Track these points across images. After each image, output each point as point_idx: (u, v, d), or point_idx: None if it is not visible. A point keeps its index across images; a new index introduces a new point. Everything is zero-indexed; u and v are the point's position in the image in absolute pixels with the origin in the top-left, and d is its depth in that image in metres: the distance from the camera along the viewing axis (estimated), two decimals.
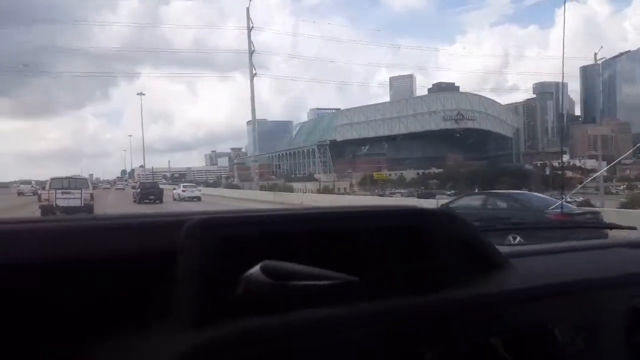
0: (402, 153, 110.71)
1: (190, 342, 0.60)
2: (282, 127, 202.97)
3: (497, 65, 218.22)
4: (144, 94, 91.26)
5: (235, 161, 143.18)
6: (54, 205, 14.52)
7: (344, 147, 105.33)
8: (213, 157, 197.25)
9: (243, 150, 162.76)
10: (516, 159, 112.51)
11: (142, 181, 33.97)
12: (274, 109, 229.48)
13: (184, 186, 34.76)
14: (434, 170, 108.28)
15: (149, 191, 26.77)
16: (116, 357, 0.60)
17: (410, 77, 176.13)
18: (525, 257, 1.02)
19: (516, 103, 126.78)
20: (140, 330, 0.62)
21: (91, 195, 15.88)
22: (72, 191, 15.20)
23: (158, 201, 25.61)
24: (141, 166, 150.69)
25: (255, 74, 66.17)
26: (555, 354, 0.86)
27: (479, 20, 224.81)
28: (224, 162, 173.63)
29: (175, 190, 32.73)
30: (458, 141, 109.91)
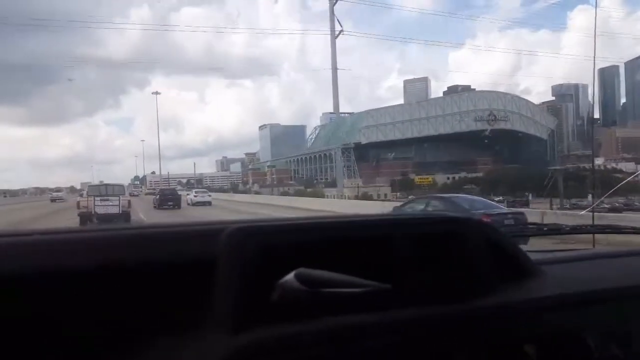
0: (429, 156, 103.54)
1: (228, 347, 0.62)
2: (295, 132, 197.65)
3: (509, 69, 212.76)
4: (159, 93, 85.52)
5: (250, 166, 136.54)
6: (93, 213, 14.42)
7: (367, 151, 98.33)
8: (224, 163, 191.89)
9: (257, 155, 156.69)
10: (552, 161, 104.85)
11: (162, 188, 35.50)
12: (281, 115, 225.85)
13: (195, 192, 36.42)
14: (464, 174, 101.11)
15: (168, 197, 27.54)
16: None
17: (425, 80, 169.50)
18: (555, 264, 1.02)
19: (540, 104, 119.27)
20: (181, 336, 0.63)
21: (129, 202, 15.75)
22: (110, 198, 14.93)
23: (177, 207, 26.18)
24: (153, 172, 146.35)
25: (341, 31, 58.82)
26: None
27: (489, 24, 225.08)
28: (235, 167, 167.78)
29: (188, 196, 33.89)
30: (490, 143, 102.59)
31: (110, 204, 15.01)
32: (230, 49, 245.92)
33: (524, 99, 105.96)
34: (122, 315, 0.63)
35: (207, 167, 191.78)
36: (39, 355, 0.58)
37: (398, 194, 66.26)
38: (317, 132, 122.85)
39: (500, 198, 55.24)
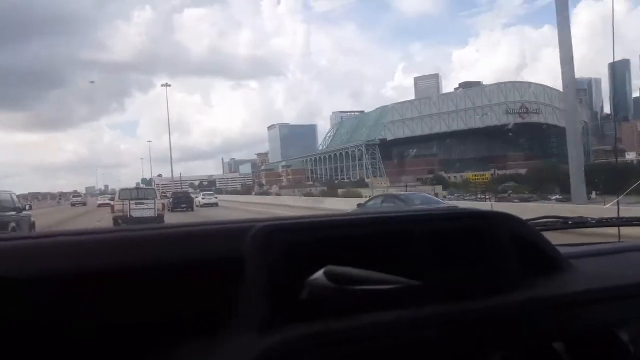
0: (454, 152, 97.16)
1: (257, 346, 0.61)
2: (306, 131, 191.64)
3: (515, 66, 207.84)
4: (169, 85, 79.40)
5: (262, 167, 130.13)
6: (128, 216, 14.36)
7: (389, 147, 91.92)
8: (232, 165, 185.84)
9: (268, 155, 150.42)
10: (586, 156, 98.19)
11: (174, 191, 36.14)
12: (286, 116, 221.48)
13: (203, 194, 38.90)
14: (495, 171, 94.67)
15: (181, 200, 28.60)
16: None
17: (435, 77, 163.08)
18: (583, 258, 1.01)
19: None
20: (210, 336, 0.63)
21: (163, 205, 15.75)
22: (145, 201, 14.94)
23: (190, 209, 27.35)
24: (159, 175, 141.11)
25: None
26: (619, 357, 0.84)
27: (491, 22, 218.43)
28: (244, 169, 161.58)
29: (196, 198, 34.65)
30: (520, 137, 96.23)
31: (146, 207, 14.72)
32: (235, 50, 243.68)
33: (556, 90, 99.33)
34: (150, 315, 0.63)
35: (212, 169, 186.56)
36: (74, 355, 0.59)
37: (445, 192, 59.68)
38: (335, 129, 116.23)
39: (558, 196, 48.76)
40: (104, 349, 0.60)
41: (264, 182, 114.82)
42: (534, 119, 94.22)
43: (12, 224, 10.12)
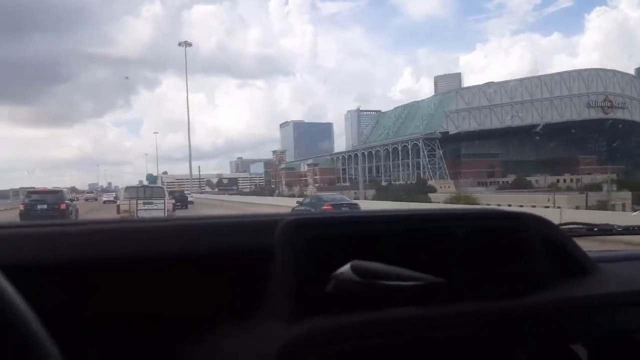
0: (515, 152, 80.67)
1: (285, 336, 0.63)
2: (321, 129, 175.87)
3: (527, 72, 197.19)
4: (190, 44, 63.49)
5: (282, 166, 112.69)
6: (136, 217, 12.34)
7: (444, 143, 74.97)
8: (239, 165, 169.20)
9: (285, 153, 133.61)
10: None
11: (170, 190, 33.19)
12: (293, 116, 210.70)
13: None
14: (569, 176, 78.22)
15: (178, 199, 28.60)
16: (218, 349, 0.64)
17: (457, 76, 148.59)
18: (612, 262, 1.00)
19: None
20: (240, 322, 0.65)
21: (173, 205, 14.78)
22: (154, 201, 13.78)
23: (184, 207, 28.93)
24: (165, 172, 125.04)
25: None
26: None
27: (500, 28, 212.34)
28: (256, 168, 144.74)
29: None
30: (601, 136, 79.95)
31: (155, 207, 13.59)
32: (242, 48, 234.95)
33: None
34: (184, 303, 0.65)
35: (216, 169, 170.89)
36: (119, 342, 0.61)
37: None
38: (376, 121, 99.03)
39: None
40: (143, 333, 0.62)
41: (283, 182, 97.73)
42: (619, 114, 77.93)
43: (72, 209, 16.04)
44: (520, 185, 61.21)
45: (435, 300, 0.70)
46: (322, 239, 0.69)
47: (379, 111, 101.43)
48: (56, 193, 16.47)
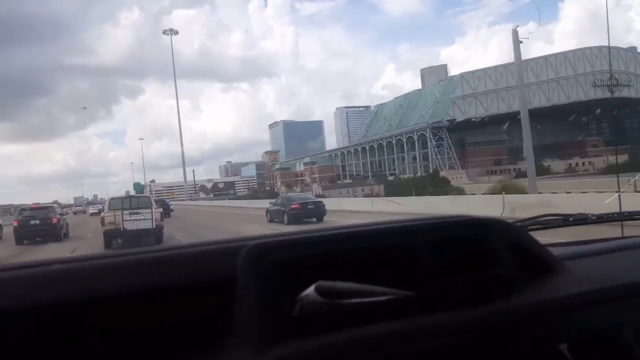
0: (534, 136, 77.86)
1: None
2: (312, 127, 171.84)
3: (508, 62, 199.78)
4: (177, 32, 60.19)
5: (276, 166, 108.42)
6: (122, 229, 12.14)
7: (450, 131, 71.65)
8: (229, 168, 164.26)
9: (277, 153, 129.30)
10: None
11: (155, 199, 28.64)
12: (280, 117, 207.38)
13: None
14: (578, 160, 75.77)
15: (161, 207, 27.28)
16: None
17: (444, 67, 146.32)
18: (582, 258, 1.00)
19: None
20: (205, 354, 0.64)
21: (161, 214, 13.37)
22: (140, 211, 12.59)
23: (167, 215, 25.86)
24: (152, 181, 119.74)
25: None
26: (622, 358, 0.84)
27: (477, 20, 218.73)
28: (247, 171, 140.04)
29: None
30: (607, 116, 77.55)
31: (142, 217, 12.49)
32: (225, 52, 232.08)
33: None
34: (146, 337, 0.64)
35: (205, 174, 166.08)
36: None
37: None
38: (374, 112, 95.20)
39: None
40: None
41: (279, 183, 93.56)
42: (625, 92, 75.67)
43: (62, 223, 16.84)
44: (537, 171, 58.10)
45: (406, 314, 0.70)
46: (287, 261, 0.69)
47: (368, 107, 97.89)
48: (47, 209, 17.39)
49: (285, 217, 16.90)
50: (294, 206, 17.01)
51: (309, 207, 17.23)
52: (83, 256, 0.72)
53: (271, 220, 18.25)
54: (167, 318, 0.65)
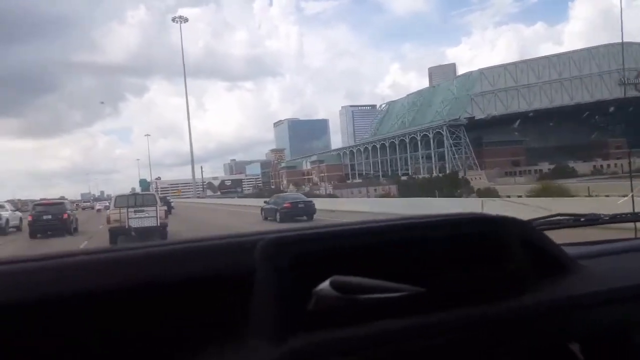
0: (542, 138, 74.12)
1: (267, 355, 0.63)
2: (317, 126, 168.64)
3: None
4: (186, 20, 56.73)
5: (282, 164, 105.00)
6: (127, 227, 11.99)
7: (467, 129, 67.97)
8: (233, 167, 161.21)
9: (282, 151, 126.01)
10: None
11: (160, 197, 28.23)
12: (283, 116, 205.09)
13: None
14: (601, 161, 71.98)
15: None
16: None
17: (452, 66, 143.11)
18: (595, 258, 1.00)
19: None
20: (222, 345, 0.65)
21: (165, 212, 13.41)
22: (145, 209, 12.55)
23: (169, 212, 25.05)
24: (158, 178, 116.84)
25: None
26: (634, 358, 0.84)
27: (483, 20, 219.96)
28: (252, 169, 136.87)
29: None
30: (630, 116, 73.74)
31: (147, 215, 12.41)
32: (230, 51, 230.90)
33: None
34: (164, 330, 0.64)
35: (209, 172, 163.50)
36: None
37: None
38: (385, 109, 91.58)
39: None
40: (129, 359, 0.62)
41: (285, 181, 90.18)
42: None
43: (72, 218, 17.53)
44: (562, 174, 54.36)
45: (419, 310, 0.71)
46: (303, 255, 0.69)
47: (374, 106, 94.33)
48: (59, 204, 18.05)
49: (278, 215, 17.53)
50: (285, 205, 17.80)
51: (300, 206, 18.11)
52: (103, 248, 0.73)
53: (265, 218, 18.98)
54: (186, 309, 0.66)
